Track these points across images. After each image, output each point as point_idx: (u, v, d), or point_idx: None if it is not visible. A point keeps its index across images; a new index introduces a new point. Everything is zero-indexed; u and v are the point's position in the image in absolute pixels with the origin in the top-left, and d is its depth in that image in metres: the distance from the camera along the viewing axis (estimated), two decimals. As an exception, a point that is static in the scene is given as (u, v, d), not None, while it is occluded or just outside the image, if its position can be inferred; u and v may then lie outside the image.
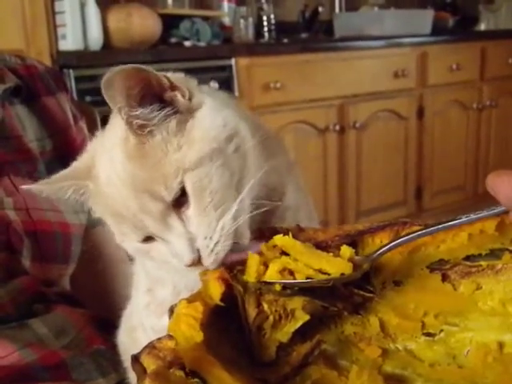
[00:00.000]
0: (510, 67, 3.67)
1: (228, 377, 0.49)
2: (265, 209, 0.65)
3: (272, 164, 0.70)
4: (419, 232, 0.58)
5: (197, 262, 0.60)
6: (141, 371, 0.49)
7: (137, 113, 0.60)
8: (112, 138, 0.66)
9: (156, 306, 0.74)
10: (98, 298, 1.06)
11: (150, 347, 0.50)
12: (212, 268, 0.60)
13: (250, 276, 0.57)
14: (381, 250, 0.58)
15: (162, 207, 0.60)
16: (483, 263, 0.59)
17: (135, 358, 0.50)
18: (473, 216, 0.57)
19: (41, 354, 0.85)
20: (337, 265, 0.56)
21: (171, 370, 0.48)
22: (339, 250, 0.60)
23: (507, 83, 3.67)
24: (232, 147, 0.62)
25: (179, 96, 0.62)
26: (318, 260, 0.57)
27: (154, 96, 0.61)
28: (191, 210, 0.60)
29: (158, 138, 0.61)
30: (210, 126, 0.62)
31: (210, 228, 0.60)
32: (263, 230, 0.63)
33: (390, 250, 0.58)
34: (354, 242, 0.61)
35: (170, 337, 0.51)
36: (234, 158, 0.62)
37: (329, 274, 0.56)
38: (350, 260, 0.57)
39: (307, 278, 0.56)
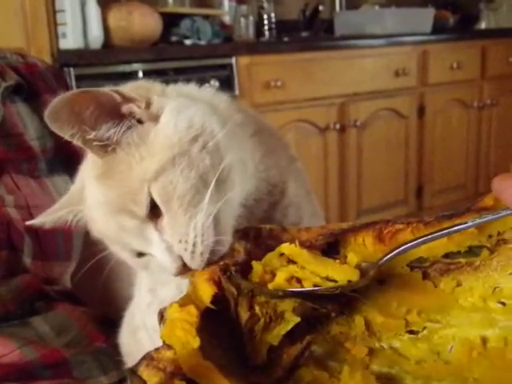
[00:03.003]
0: (510, 66, 3.66)
1: (227, 383, 0.49)
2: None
3: (270, 160, 0.70)
4: (428, 236, 0.58)
5: (183, 269, 0.60)
6: None
7: (91, 136, 0.59)
8: (88, 160, 0.66)
9: (158, 305, 0.73)
10: (100, 298, 1.06)
11: (148, 359, 0.49)
12: (201, 269, 0.59)
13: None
14: (387, 256, 0.58)
15: (138, 223, 0.60)
16: (462, 260, 0.60)
17: (132, 371, 0.49)
18: (478, 220, 0.57)
19: (42, 352, 0.84)
20: (344, 272, 0.56)
21: (174, 381, 0.48)
22: (323, 249, 0.60)
23: (508, 82, 3.67)
24: (198, 146, 0.61)
25: (135, 107, 0.62)
26: (324, 267, 0.57)
27: (110, 113, 0.60)
28: (165, 219, 0.60)
29: (122, 154, 0.61)
30: (173, 131, 0.61)
31: (182, 231, 0.59)
32: (247, 229, 0.62)
33: (396, 255, 0.58)
34: (337, 240, 0.61)
35: (168, 346, 0.50)
36: (202, 157, 0.61)
37: (336, 281, 0.56)
38: (357, 267, 0.57)
39: (314, 286, 0.56)
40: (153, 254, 0.62)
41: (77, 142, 0.59)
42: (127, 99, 0.61)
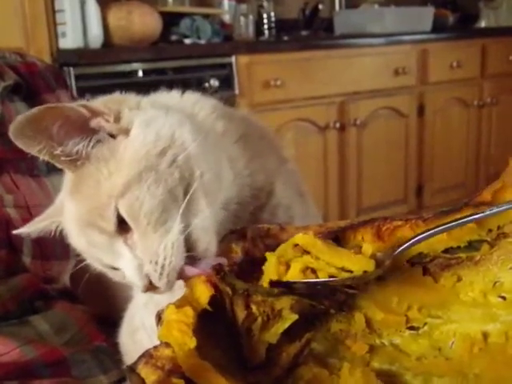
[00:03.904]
0: (510, 64, 3.65)
1: (225, 383, 0.49)
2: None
3: (256, 164, 0.69)
4: (443, 227, 0.57)
5: (151, 286, 0.59)
6: (140, 382, 0.48)
7: (58, 152, 0.59)
8: (66, 172, 0.66)
9: (154, 305, 0.73)
10: (100, 297, 1.06)
11: (147, 356, 0.50)
12: (166, 291, 0.59)
13: (270, 276, 0.56)
14: (403, 246, 0.57)
15: (106, 238, 0.60)
16: (462, 255, 0.60)
17: (131, 369, 0.49)
18: (495, 209, 0.57)
19: (42, 350, 0.84)
20: (359, 262, 0.56)
21: (172, 379, 0.48)
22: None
23: (508, 80, 3.66)
24: (166, 160, 0.60)
25: (103, 121, 0.61)
26: (339, 258, 0.56)
27: (79, 128, 0.60)
28: (135, 235, 0.59)
29: (91, 168, 0.60)
30: (141, 145, 0.60)
31: (152, 252, 0.58)
32: (245, 230, 0.62)
33: (412, 245, 0.58)
34: (336, 238, 0.61)
35: (166, 345, 0.50)
36: (171, 172, 0.59)
37: (351, 272, 0.56)
38: (372, 257, 0.57)
39: (330, 277, 0.56)
40: (122, 269, 0.61)
41: (44, 157, 0.59)
42: (95, 113, 0.61)
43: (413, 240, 0.57)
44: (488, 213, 0.57)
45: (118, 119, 0.62)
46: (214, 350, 0.53)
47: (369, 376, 0.54)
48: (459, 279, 0.60)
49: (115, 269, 0.63)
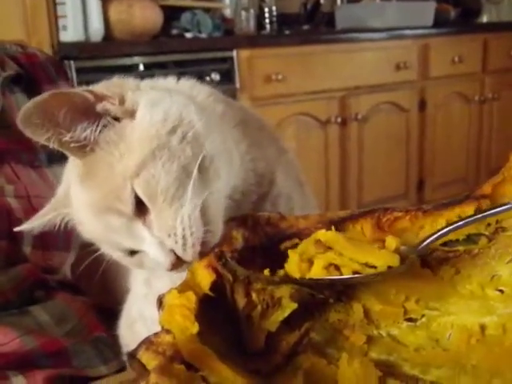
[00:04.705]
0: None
1: (225, 369, 0.49)
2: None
3: (257, 151, 0.69)
4: (470, 218, 0.57)
5: (177, 262, 0.59)
6: (140, 368, 0.48)
7: (67, 138, 0.59)
8: (70, 162, 0.66)
9: (154, 296, 0.73)
10: (100, 287, 1.06)
11: (147, 343, 0.50)
12: (196, 261, 0.59)
13: (293, 274, 0.56)
14: (428, 240, 0.57)
15: (125, 221, 0.60)
16: (461, 248, 0.60)
17: (131, 356, 0.49)
18: None
19: (42, 340, 0.85)
20: (383, 257, 0.55)
21: (173, 365, 0.48)
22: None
23: (509, 76, 3.66)
24: (177, 138, 0.60)
25: (108, 104, 0.61)
26: (363, 253, 0.56)
27: (85, 113, 0.60)
28: (152, 214, 0.59)
29: (101, 153, 0.60)
30: (150, 124, 0.61)
31: (170, 225, 0.58)
32: (245, 217, 0.62)
33: (437, 239, 0.57)
34: (336, 228, 0.60)
35: (166, 331, 0.50)
36: (183, 148, 0.60)
37: (375, 267, 0.55)
38: (396, 251, 0.56)
39: (354, 273, 0.55)
40: (145, 250, 0.61)
41: (53, 145, 0.59)
42: (100, 97, 0.61)
43: (437, 234, 0.57)
44: None
45: (122, 102, 0.62)
46: (214, 335, 0.53)
47: (367, 366, 0.54)
48: (457, 272, 0.60)
49: (132, 254, 0.64)
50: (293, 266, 0.56)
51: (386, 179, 3.26)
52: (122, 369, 0.87)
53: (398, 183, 3.33)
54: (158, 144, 0.59)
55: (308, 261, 0.56)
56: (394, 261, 0.55)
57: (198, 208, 0.59)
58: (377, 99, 3.13)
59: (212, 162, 0.61)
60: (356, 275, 0.55)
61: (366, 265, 0.55)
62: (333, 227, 0.59)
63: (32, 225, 0.70)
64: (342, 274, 0.55)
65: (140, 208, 0.59)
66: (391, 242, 0.57)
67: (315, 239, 0.58)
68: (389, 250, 0.56)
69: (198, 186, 0.59)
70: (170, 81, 0.72)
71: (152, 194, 0.58)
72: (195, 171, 0.59)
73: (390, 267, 0.55)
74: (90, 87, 0.63)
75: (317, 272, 0.55)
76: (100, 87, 0.63)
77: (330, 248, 0.57)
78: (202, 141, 0.61)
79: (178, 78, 0.73)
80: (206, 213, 0.59)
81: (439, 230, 0.57)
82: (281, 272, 0.56)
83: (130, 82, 0.68)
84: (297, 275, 0.56)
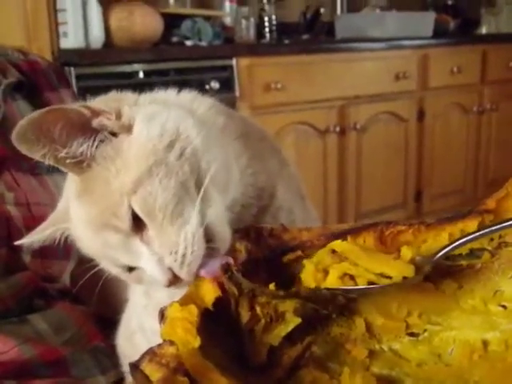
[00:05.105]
0: (510, 71, 3.66)
1: (227, 383, 0.48)
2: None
3: (258, 164, 0.69)
4: (480, 232, 0.57)
5: (174, 279, 0.59)
6: (144, 379, 0.48)
7: (63, 154, 0.58)
8: (70, 177, 0.66)
9: (153, 307, 0.72)
10: (99, 297, 1.06)
11: (151, 354, 0.49)
12: (189, 280, 0.58)
13: (308, 284, 0.56)
14: (443, 252, 0.57)
15: (122, 237, 0.59)
16: (463, 262, 0.60)
17: (135, 366, 0.49)
18: None
19: (40, 349, 0.84)
20: (398, 268, 0.55)
21: (177, 377, 0.47)
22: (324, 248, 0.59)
23: (508, 87, 3.67)
24: (174, 153, 0.60)
25: (105, 120, 0.60)
26: (378, 264, 0.56)
27: (81, 129, 0.59)
28: (151, 231, 0.59)
29: (98, 169, 0.60)
30: (146, 139, 0.60)
31: (171, 243, 0.58)
32: (248, 229, 0.61)
33: (451, 250, 0.57)
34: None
35: (170, 342, 0.50)
36: (180, 164, 0.59)
37: (390, 278, 0.55)
38: (411, 261, 0.56)
39: (369, 283, 0.55)
40: (142, 267, 0.61)
41: (49, 161, 0.58)
42: (96, 113, 0.60)
43: (452, 245, 0.57)
44: None
45: (119, 117, 0.61)
46: (215, 349, 0.53)
47: (369, 381, 0.53)
48: (460, 287, 0.59)
49: (130, 270, 0.63)
50: (308, 275, 0.56)
51: (385, 189, 3.26)
52: (120, 379, 0.86)
53: (396, 193, 3.34)
54: (155, 160, 0.59)
55: (323, 271, 0.56)
56: (409, 271, 0.55)
57: (203, 226, 0.58)
58: (376, 109, 3.13)
59: (212, 178, 0.60)
60: (371, 286, 0.55)
61: (381, 275, 0.55)
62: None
63: (32, 239, 0.70)
64: (356, 284, 0.55)
65: (137, 224, 0.59)
66: (406, 252, 0.57)
67: (330, 249, 0.58)
68: (404, 261, 0.56)
69: (199, 202, 0.59)
70: (171, 93, 0.71)
71: (150, 211, 0.57)
72: (202, 190, 0.58)
73: (404, 277, 0.55)
74: (87, 102, 0.62)
75: (332, 282, 0.55)
76: (97, 102, 0.63)
77: (345, 258, 0.56)
78: (201, 156, 0.61)
79: (179, 90, 0.72)
80: (210, 229, 0.59)
81: (455, 241, 0.57)
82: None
83: (128, 96, 0.67)
84: (312, 285, 0.56)
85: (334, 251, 0.57)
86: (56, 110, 0.58)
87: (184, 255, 0.57)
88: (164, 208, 0.57)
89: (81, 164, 0.60)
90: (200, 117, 0.66)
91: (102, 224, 0.60)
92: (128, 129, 0.61)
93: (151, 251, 0.59)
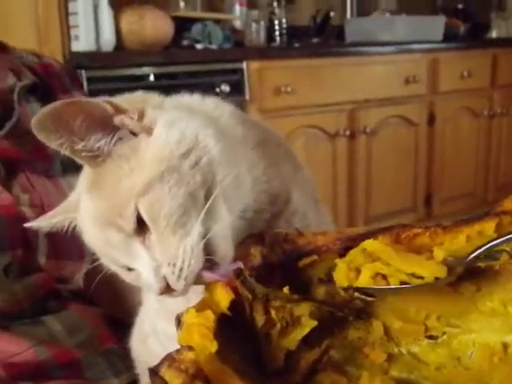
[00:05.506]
0: (521, 75, 3.66)
1: None
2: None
3: (274, 170, 0.69)
4: None
5: (166, 289, 0.58)
6: None
7: (79, 147, 0.58)
8: (85, 168, 0.66)
9: (164, 311, 0.72)
10: (112, 299, 1.06)
11: (170, 359, 0.49)
12: (182, 294, 0.58)
13: (340, 283, 0.56)
14: (476, 253, 0.56)
15: (124, 237, 0.59)
16: (481, 264, 0.59)
17: (154, 372, 0.49)
18: None
19: (55, 351, 0.84)
20: (430, 268, 0.55)
21: (196, 383, 0.47)
22: (340, 254, 0.59)
23: (518, 91, 3.66)
24: (189, 162, 0.59)
25: (127, 119, 0.60)
26: (410, 264, 0.55)
27: (101, 124, 0.59)
28: (153, 237, 0.58)
29: (111, 165, 0.60)
30: (164, 144, 0.60)
31: (171, 254, 0.57)
32: (263, 234, 0.61)
33: (485, 251, 0.56)
34: (355, 245, 0.60)
35: (188, 347, 0.50)
36: (193, 174, 0.59)
37: (422, 278, 0.55)
38: (443, 262, 0.56)
39: (401, 283, 0.55)
40: (138, 270, 0.60)
41: (65, 151, 0.58)
42: (119, 110, 0.60)
43: (486, 246, 0.56)
44: None
45: (141, 117, 0.61)
46: (233, 354, 0.52)
47: None
48: (478, 289, 0.59)
49: (130, 270, 0.63)
50: (340, 274, 0.56)
51: (394, 193, 3.25)
52: (133, 382, 0.86)
53: (406, 197, 3.33)
54: (168, 166, 0.58)
55: (356, 270, 0.56)
56: (441, 272, 0.54)
57: (203, 240, 0.58)
58: (386, 113, 3.13)
59: (222, 191, 0.60)
60: (403, 286, 0.55)
61: (413, 275, 0.55)
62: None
63: (40, 224, 0.70)
64: (388, 284, 0.55)
65: (141, 227, 0.58)
66: (439, 252, 0.56)
67: (362, 248, 0.57)
68: (436, 261, 0.56)
69: (204, 215, 0.58)
70: (196, 99, 0.71)
71: (155, 217, 0.57)
72: (208, 203, 0.58)
73: (437, 278, 0.54)
74: (111, 98, 0.62)
75: (364, 281, 0.55)
76: (121, 100, 0.63)
77: (377, 258, 0.56)
78: (216, 167, 0.60)
79: (204, 96, 0.72)
80: (212, 243, 0.59)
81: (488, 242, 0.56)
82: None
83: (153, 97, 0.67)
84: (344, 284, 0.56)
85: (366, 251, 0.57)
86: (79, 102, 0.58)
87: (181, 269, 0.57)
88: (169, 216, 0.57)
89: (96, 158, 0.60)
90: (221, 125, 0.66)
91: (106, 221, 0.60)
92: (148, 131, 0.61)
93: (151, 256, 0.59)
